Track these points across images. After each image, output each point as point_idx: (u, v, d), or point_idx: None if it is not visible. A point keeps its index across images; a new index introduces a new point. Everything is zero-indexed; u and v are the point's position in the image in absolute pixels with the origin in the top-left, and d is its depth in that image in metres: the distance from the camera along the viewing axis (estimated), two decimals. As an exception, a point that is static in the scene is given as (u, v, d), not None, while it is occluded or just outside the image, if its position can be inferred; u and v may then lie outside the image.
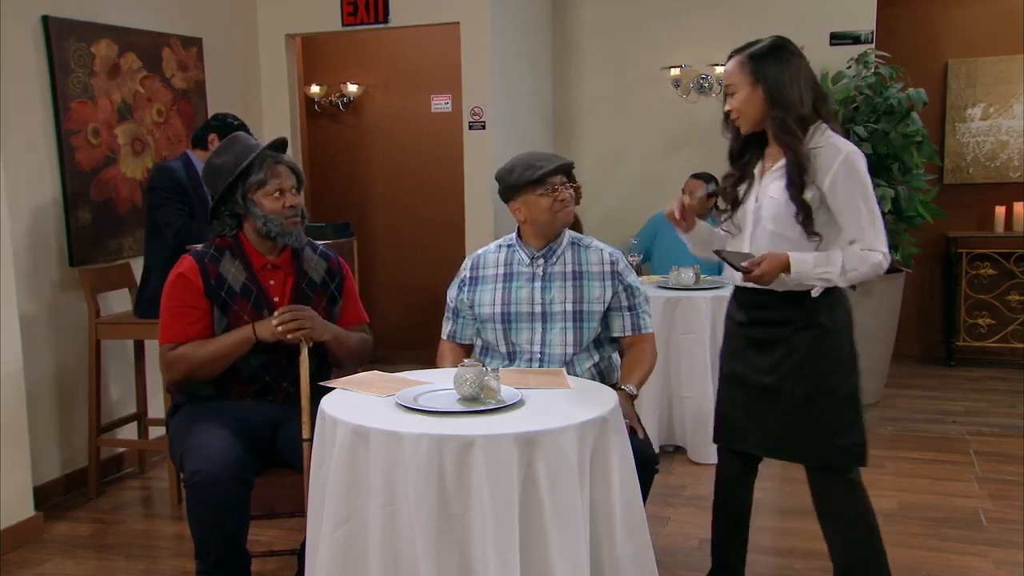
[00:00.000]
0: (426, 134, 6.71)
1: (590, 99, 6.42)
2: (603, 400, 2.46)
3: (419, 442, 2.14)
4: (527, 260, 3.04)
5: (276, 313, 2.86)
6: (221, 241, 3.00)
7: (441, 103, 6.63)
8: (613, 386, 2.87)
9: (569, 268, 3.02)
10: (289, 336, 2.83)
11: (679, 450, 4.68)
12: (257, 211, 2.91)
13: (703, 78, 6.06)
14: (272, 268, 3.01)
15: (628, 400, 2.85)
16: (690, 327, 4.47)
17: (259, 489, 2.77)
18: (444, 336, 3.18)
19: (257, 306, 2.94)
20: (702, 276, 4.76)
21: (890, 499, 4.02)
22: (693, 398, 4.49)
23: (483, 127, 5.52)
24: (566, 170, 3.01)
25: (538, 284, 3.01)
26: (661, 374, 4.49)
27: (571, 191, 3.00)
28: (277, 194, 2.92)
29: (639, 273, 5.06)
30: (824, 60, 5.53)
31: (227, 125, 4.21)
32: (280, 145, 3.06)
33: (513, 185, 2.97)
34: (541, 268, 3.02)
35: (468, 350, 3.15)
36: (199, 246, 3.09)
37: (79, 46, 4.37)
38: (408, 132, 6.78)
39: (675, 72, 6.08)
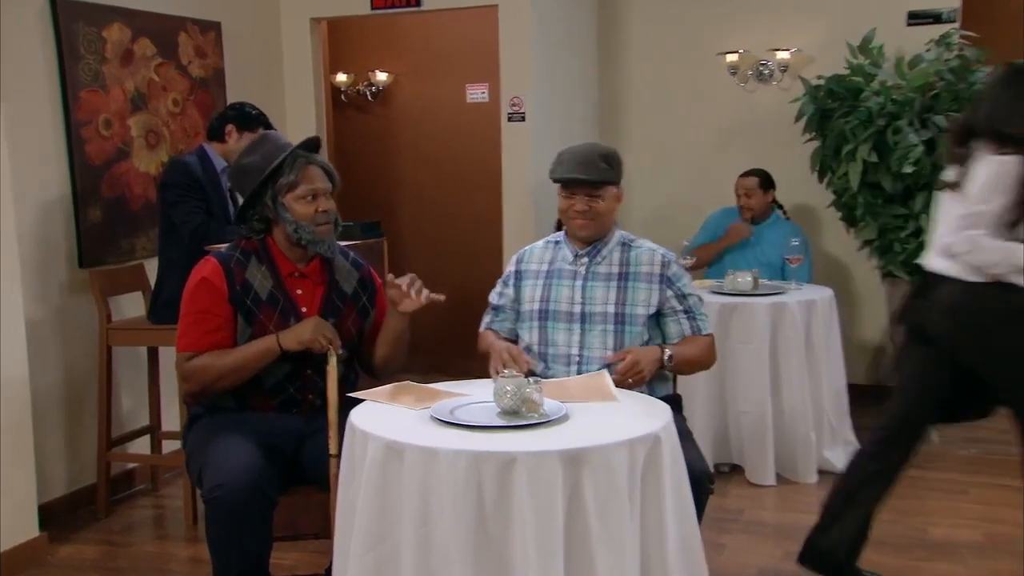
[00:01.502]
0: (460, 126, 6.72)
1: (639, 88, 6.39)
2: (655, 414, 2.45)
3: (457, 459, 2.15)
4: (571, 258, 3.10)
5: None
6: (247, 244, 3.00)
7: (477, 93, 6.64)
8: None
9: (615, 269, 3.06)
10: (317, 347, 2.85)
11: (736, 469, 4.63)
12: (288, 216, 2.91)
13: (763, 64, 6.01)
14: (300, 276, 3.01)
15: (659, 360, 2.90)
16: (747, 336, 4.42)
17: (282, 508, 2.78)
18: (482, 328, 3.23)
19: (284, 316, 2.95)
20: (761, 281, 4.72)
21: (975, 530, 3.95)
22: (751, 413, 4.45)
23: (522, 119, 5.53)
24: (582, 184, 3.00)
25: (579, 283, 3.05)
26: (716, 386, 4.46)
27: (588, 206, 3.02)
28: (309, 198, 2.92)
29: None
30: (900, 42, 5.44)
31: (245, 115, 4.23)
32: (313, 145, 3.06)
33: (550, 173, 3.08)
34: (584, 267, 3.07)
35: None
36: (219, 246, 3.10)
37: (89, 30, 4.43)
38: (441, 124, 6.80)
39: (732, 58, 6.04)
